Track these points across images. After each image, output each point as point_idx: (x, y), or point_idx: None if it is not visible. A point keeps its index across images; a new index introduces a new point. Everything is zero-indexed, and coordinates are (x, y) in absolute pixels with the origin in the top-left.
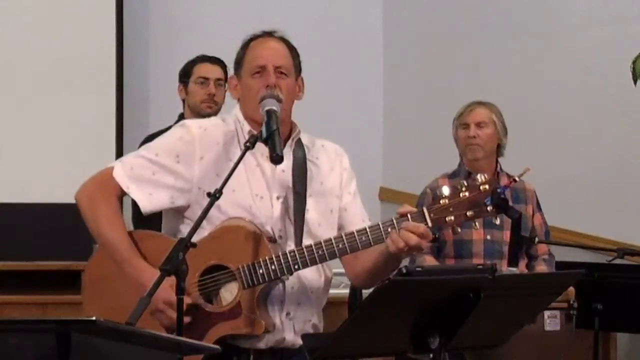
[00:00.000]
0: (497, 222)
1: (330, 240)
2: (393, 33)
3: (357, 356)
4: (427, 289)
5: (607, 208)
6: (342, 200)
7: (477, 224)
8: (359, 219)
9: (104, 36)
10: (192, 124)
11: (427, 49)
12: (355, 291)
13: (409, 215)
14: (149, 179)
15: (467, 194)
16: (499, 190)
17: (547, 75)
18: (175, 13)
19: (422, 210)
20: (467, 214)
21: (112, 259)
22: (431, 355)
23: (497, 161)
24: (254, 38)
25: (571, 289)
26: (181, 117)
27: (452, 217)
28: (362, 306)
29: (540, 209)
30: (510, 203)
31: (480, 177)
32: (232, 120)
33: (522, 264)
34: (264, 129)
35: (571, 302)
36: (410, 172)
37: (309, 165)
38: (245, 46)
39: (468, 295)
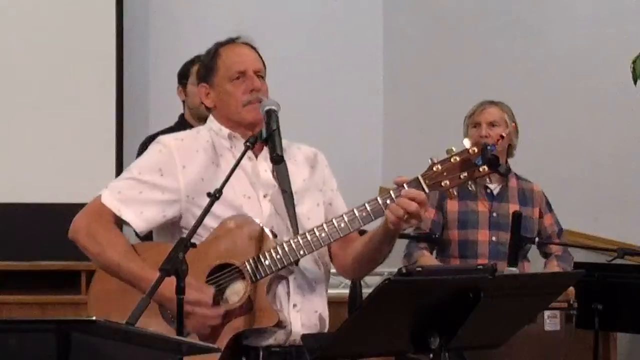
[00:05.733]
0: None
1: (331, 220)
2: (393, 33)
3: (357, 356)
4: (427, 289)
5: (607, 208)
6: (325, 195)
7: (473, 186)
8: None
9: (104, 36)
10: (167, 138)
11: (427, 49)
12: (355, 291)
13: (405, 185)
14: (137, 198)
15: (457, 158)
16: (488, 147)
17: (547, 75)
18: (176, 13)
19: (417, 177)
20: (461, 176)
21: (126, 282)
22: (431, 355)
23: (506, 161)
24: (220, 45)
25: (571, 289)
26: (182, 117)
27: (448, 182)
28: (362, 306)
29: (550, 210)
30: (518, 204)
31: (466, 142)
32: (205, 131)
33: (526, 265)
34: (263, 129)
35: (571, 302)
36: (410, 172)
37: (289, 164)
38: (215, 54)
39: (468, 295)
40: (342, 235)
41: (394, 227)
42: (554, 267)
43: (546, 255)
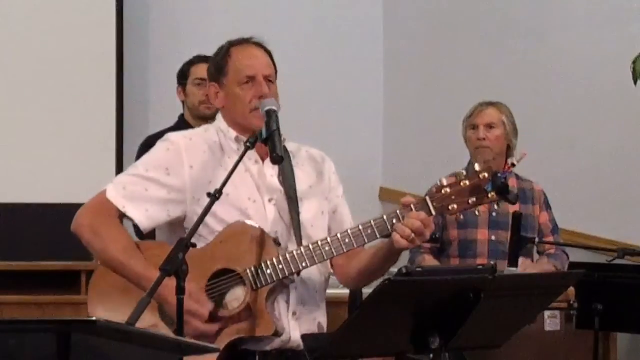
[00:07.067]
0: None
1: (336, 235)
2: (393, 33)
3: (357, 356)
4: (427, 289)
5: (607, 208)
6: (330, 203)
7: (479, 210)
8: (347, 222)
9: (104, 36)
10: (176, 135)
11: (427, 49)
12: (355, 291)
13: (412, 206)
14: (143, 195)
15: (467, 182)
16: (499, 174)
17: (547, 75)
18: (176, 13)
19: (425, 199)
20: (469, 201)
21: (128, 279)
22: (431, 355)
23: (506, 162)
24: (232, 45)
25: (571, 289)
26: (181, 117)
27: (455, 205)
28: (362, 306)
29: (547, 208)
30: (518, 203)
31: (477, 166)
32: (213, 130)
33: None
34: (263, 129)
35: (571, 302)
36: (410, 172)
37: (296, 170)
38: (226, 54)
39: (468, 295)
40: (345, 251)
41: (399, 246)
42: (545, 264)
43: (539, 253)
